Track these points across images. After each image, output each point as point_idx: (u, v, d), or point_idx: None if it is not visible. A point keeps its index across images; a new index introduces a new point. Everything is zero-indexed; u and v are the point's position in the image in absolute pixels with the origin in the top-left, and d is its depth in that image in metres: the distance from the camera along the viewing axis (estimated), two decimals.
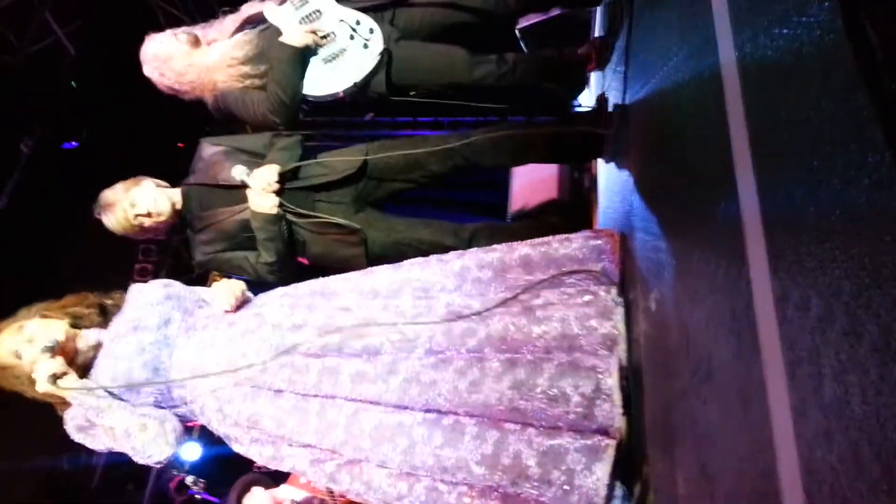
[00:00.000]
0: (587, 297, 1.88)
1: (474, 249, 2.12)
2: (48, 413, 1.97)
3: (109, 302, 2.15)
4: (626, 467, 1.68)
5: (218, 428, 2.01)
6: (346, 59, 2.62)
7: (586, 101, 3.39)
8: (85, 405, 1.89)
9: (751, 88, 1.03)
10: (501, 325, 1.85)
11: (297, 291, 2.14)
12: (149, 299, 2.10)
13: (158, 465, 1.96)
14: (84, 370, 1.98)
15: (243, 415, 1.94)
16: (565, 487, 1.62)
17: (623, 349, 1.78)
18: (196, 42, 2.65)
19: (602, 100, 2.62)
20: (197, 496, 4.66)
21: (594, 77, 3.10)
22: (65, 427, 1.95)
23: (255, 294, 2.23)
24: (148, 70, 2.68)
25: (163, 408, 1.98)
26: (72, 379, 1.88)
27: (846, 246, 0.70)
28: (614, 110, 2.40)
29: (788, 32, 0.89)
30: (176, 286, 2.19)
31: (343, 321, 1.95)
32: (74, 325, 2.05)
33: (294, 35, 2.54)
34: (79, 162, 5.54)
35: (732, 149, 1.07)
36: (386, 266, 2.14)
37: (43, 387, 1.85)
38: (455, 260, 2.08)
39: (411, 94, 2.80)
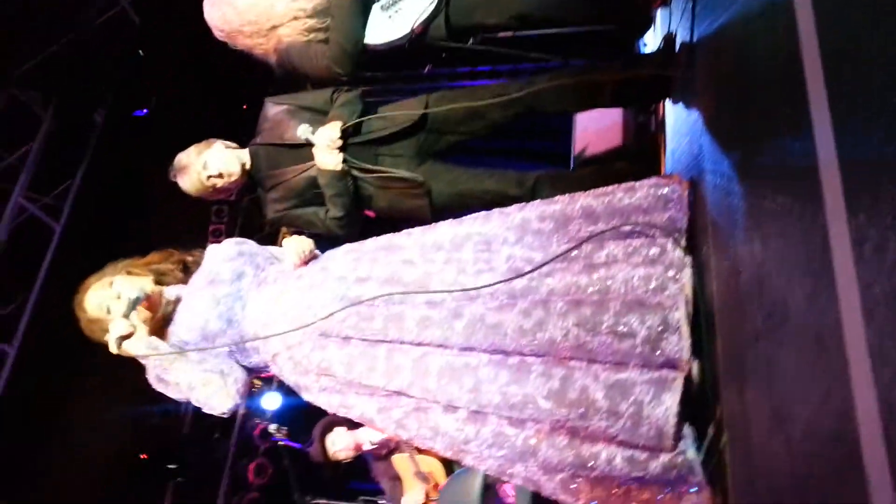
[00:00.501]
0: (654, 251, 1.83)
1: (536, 202, 2.10)
2: (137, 363, 2.10)
3: (190, 259, 2.27)
4: (699, 410, 1.68)
5: (289, 377, 2.09)
6: (405, 4, 2.60)
7: (651, 40, 3.28)
8: (151, 363, 2.02)
9: (825, 23, 0.99)
10: (563, 284, 1.84)
11: (363, 247, 2.19)
12: (223, 255, 2.21)
13: (225, 415, 2.05)
14: (166, 322, 2.13)
15: (314, 362, 2.00)
16: (635, 418, 1.62)
17: (689, 298, 1.76)
18: (268, 18, 2.66)
19: (669, 39, 2.53)
20: (280, 442, 4.87)
21: (660, 14, 2.99)
22: (147, 377, 2.08)
23: (324, 252, 2.30)
24: (209, 12, 2.69)
25: (236, 358, 2.09)
26: (139, 338, 2.01)
27: None
28: (682, 49, 2.32)
29: None
30: (249, 244, 2.29)
31: (406, 274, 1.99)
32: (158, 282, 2.17)
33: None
34: (150, 129, 5.71)
35: (807, 86, 1.03)
36: (448, 221, 2.15)
37: (112, 348, 2.00)
38: (516, 213, 2.07)
39: (470, 42, 2.76)
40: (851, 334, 0.85)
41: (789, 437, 1.08)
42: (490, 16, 2.61)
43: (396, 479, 4.73)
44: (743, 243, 1.41)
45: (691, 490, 1.62)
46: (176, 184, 2.67)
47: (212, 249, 2.27)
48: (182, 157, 2.63)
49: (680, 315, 1.68)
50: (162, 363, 2.01)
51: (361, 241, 2.23)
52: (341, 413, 2.06)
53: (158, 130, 5.60)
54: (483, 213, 2.13)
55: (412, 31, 2.58)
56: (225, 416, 2.06)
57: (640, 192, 1.97)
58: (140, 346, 2.01)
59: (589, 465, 1.70)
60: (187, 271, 2.25)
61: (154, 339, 2.05)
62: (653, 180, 1.99)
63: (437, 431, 1.88)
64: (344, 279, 2.06)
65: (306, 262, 2.19)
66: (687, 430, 1.65)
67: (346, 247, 2.23)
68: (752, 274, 1.32)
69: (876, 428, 0.76)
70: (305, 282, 2.11)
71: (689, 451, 1.62)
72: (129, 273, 2.17)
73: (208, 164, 2.56)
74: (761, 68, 1.39)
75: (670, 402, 1.60)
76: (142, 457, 5.81)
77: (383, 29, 2.63)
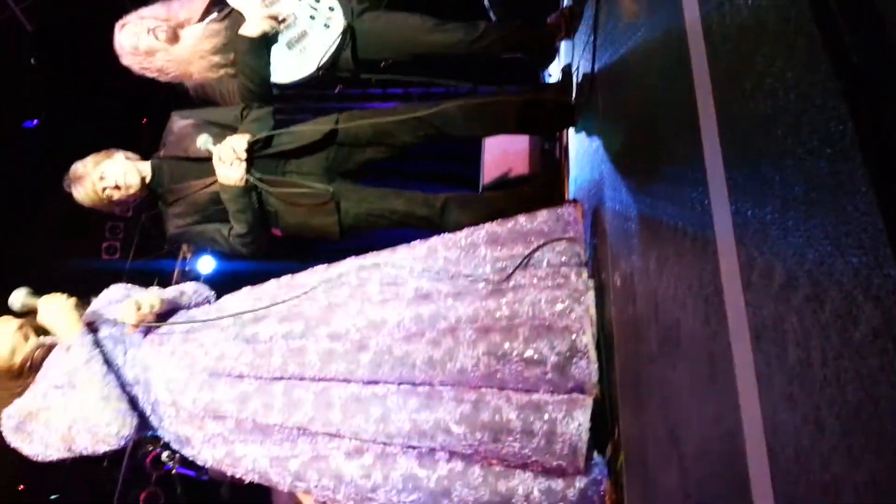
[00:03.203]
0: (559, 281, 1.90)
1: (441, 234, 2.12)
2: None
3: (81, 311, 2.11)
4: (599, 431, 1.72)
5: (169, 428, 1.93)
6: (309, 41, 2.62)
7: (556, 70, 3.39)
8: (81, 348, 1.85)
9: (717, 58, 1.04)
10: (471, 309, 1.85)
11: (263, 287, 2.12)
12: (108, 297, 2.10)
13: (120, 445, 1.85)
14: (35, 369, 1.93)
15: (199, 404, 1.87)
16: (549, 436, 1.63)
17: (594, 320, 1.81)
18: (174, 37, 2.63)
19: (572, 69, 2.62)
20: (173, 471, 4.66)
21: (564, 46, 3.10)
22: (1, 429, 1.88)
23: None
24: (127, 61, 2.65)
25: None
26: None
27: (809, 214, 0.72)
28: (584, 80, 2.41)
29: (753, 3, 0.90)
30: (137, 289, 2.18)
31: (308, 309, 1.93)
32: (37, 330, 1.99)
33: (251, 25, 2.52)
34: (40, 140, 5.41)
35: (699, 118, 1.08)
36: (352, 257, 2.12)
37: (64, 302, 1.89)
38: (421, 243, 2.09)
39: (381, 65, 2.78)
40: (740, 357, 0.88)
41: (682, 458, 1.11)
42: (398, 52, 2.67)
43: None
44: (639, 268, 1.46)
45: None
46: (69, 197, 2.51)
47: (101, 294, 2.14)
48: (78, 167, 2.49)
49: (587, 339, 1.72)
50: (35, 403, 1.84)
51: (261, 284, 2.15)
52: (228, 469, 1.90)
53: (50, 143, 5.31)
54: (388, 248, 2.11)
55: (318, 69, 2.61)
56: (117, 444, 1.85)
57: (541, 217, 2.05)
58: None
59: (506, 500, 1.69)
60: None
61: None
62: (553, 207, 2.07)
63: (340, 480, 1.78)
64: (239, 318, 1.97)
65: (157, 318, 2.00)
66: (598, 458, 1.68)
67: (247, 288, 2.14)
68: (648, 297, 1.36)
69: (761, 448, 0.79)
70: (197, 322, 2.00)
71: (602, 479, 1.65)
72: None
73: (105, 174, 2.42)
74: (657, 100, 1.44)
75: (582, 418, 1.63)
76: (20, 488, 5.40)
77: (291, 67, 2.64)
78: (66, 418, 1.84)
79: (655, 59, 1.45)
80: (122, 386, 1.89)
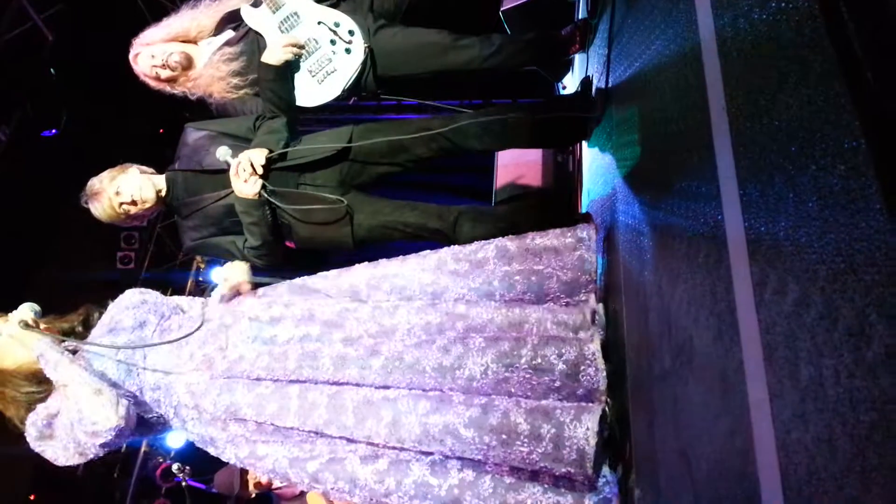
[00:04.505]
0: (569, 296, 1.91)
1: (451, 246, 2.13)
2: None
3: (97, 315, 2.13)
4: (610, 449, 1.70)
5: (192, 429, 1.97)
6: (332, 67, 2.64)
7: (570, 83, 3.39)
8: (47, 354, 1.86)
9: (731, 73, 1.04)
10: (481, 318, 1.87)
11: (275, 290, 2.14)
12: (125, 303, 2.12)
13: (110, 435, 1.82)
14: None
15: (220, 406, 1.91)
16: (556, 440, 1.61)
17: (603, 329, 1.81)
18: (188, 63, 2.67)
19: (586, 83, 2.62)
20: (183, 482, 4.67)
21: (578, 60, 3.10)
22: (27, 435, 1.89)
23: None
24: (154, 86, 2.72)
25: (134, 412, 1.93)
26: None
27: (822, 231, 0.71)
28: (598, 94, 2.41)
29: (768, 18, 0.90)
30: (152, 293, 2.21)
31: (320, 312, 1.96)
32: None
33: (274, 54, 2.54)
34: (59, 149, 5.48)
35: (713, 133, 1.08)
36: (364, 263, 2.14)
37: (13, 329, 1.90)
38: (431, 255, 2.09)
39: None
40: (752, 374, 0.87)
41: (694, 477, 1.10)
42: (415, 68, 2.69)
43: None
44: (652, 283, 1.45)
45: None
46: (86, 209, 2.56)
47: (117, 300, 2.16)
48: (94, 183, 2.53)
49: (595, 347, 1.72)
50: (60, 359, 1.86)
51: (273, 286, 2.18)
52: (250, 467, 1.95)
53: (68, 152, 5.37)
54: (399, 256, 2.12)
55: (343, 92, 2.66)
56: (109, 436, 1.82)
57: (552, 233, 2.04)
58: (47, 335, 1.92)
59: None
60: (87, 325, 2.11)
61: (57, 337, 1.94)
62: (565, 222, 2.07)
63: (355, 484, 1.81)
64: (256, 319, 2.00)
65: (239, 293, 2.12)
66: (609, 475, 1.67)
67: (260, 290, 2.18)
68: (661, 313, 1.35)
69: (774, 467, 0.78)
70: (216, 323, 2.03)
71: (612, 499, 1.64)
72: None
73: (121, 189, 2.46)
74: (671, 115, 1.44)
75: (590, 423, 1.61)
76: (31, 498, 5.44)
77: (314, 93, 2.66)
78: (66, 418, 1.85)
79: (670, 73, 1.44)
80: (140, 390, 1.94)
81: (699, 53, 1.17)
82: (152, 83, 2.69)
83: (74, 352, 1.97)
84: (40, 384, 1.92)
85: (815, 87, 0.75)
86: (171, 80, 2.67)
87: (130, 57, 2.69)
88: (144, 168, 2.56)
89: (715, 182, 1.04)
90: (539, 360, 1.71)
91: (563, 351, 1.71)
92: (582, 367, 1.70)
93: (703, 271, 1.10)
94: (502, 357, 1.74)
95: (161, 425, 2.04)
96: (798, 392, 0.74)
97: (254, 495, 4.42)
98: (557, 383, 1.71)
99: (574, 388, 1.71)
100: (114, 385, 1.91)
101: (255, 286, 2.19)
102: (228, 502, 4.73)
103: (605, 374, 1.70)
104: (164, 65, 2.64)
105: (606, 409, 1.70)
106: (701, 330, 1.10)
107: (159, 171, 2.59)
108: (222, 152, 2.42)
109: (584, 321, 1.84)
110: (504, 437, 1.65)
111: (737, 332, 0.93)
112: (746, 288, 0.90)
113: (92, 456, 1.89)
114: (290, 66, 2.60)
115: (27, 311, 1.96)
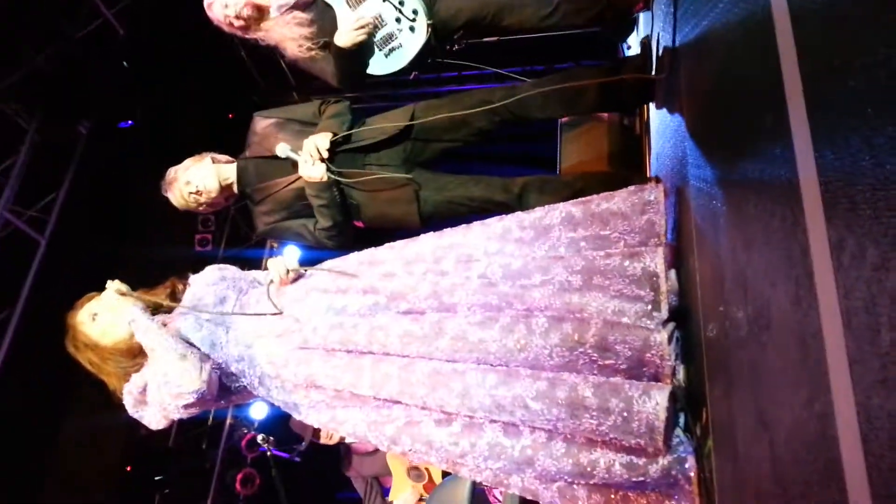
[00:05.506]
0: (635, 268, 1.83)
1: (515, 213, 2.13)
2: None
3: (181, 286, 2.25)
4: (686, 414, 1.69)
5: (277, 398, 2.07)
6: (397, 43, 2.68)
7: (634, 43, 3.30)
8: (139, 319, 2.03)
9: (803, 31, 1.00)
10: (544, 296, 1.85)
11: (345, 262, 2.19)
12: (205, 280, 2.22)
13: (193, 397, 1.93)
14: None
15: (300, 376, 1.99)
16: (625, 414, 1.62)
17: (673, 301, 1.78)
18: (260, 14, 2.72)
19: (651, 42, 2.56)
20: (267, 452, 4.87)
21: (642, 18, 3.02)
22: (124, 402, 2.05)
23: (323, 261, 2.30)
24: (228, 30, 2.78)
25: (221, 382, 2.06)
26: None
27: None
28: (664, 54, 2.34)
29: None
30: (230, 269, 2.31)
31: (384, 286, 1.99)
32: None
33: (345, 36, 2.59)
34: (135, 140, 5.70)
35: (785, 93, 1.04)
36: (430, 233, 2.17)
37: (109, 296, 2.11)
38: (496, 223, 2.09)
39: (454, 47, 2.80)
40: (831, 340, 0.85)
41: (773, 443, 1.09)
42: (473, 27, 2.66)
43: (370, 479, 4.74)
44: (727, 248, 1.42)
45: (685, 496, 1.63)
46: (164, 197, 2.69)
47: (197, 276, 2.27)
48: (171, 172, 2.66)
49: (662, 337, 1.69)
50: (150, 325, 2.03)
51: (344, 257, 2.23)
52: (332, 430, 2.07)
53: (144, 141, 5.59)
54: (463, 225, 2.14)
55: (408, 65, 2.70)
56: (192, 398, 1.94)
57: (619, 197, 2.00)
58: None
59: (587, 472, 1.69)
60: (175, 298, 2.23)
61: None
62: (631, 188, 2.02)
63: (431, 446, 1.86)
64: (326, 291, 2.07)
65: (291, 282, 2.17)
66: (683, 436, 1.66)
67: (328, 263, 2.23)
68: (736, 279, 1.33)
69: (854, 433, 0.77)
70: (288, 297, 2.10)
71: (686, 457, 1.63)
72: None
73: (191, 179, 2.60)
74: (742, 75, 1.40)
75: (660, 398, 1.61)
76: (127, 469, 5.78)
77: (380, 64, 2.72)
78: (153, 381, 1.99)
79: (739, 32, 1.40)
80: (226, 362, 2.05)
81: (769, 10, 1.13)
82: (226, 28, 2.77)
83: (164, 325, 2.09)
84: (134, 357, 2.07)
85: (891, 45, 0.73)
86: (244, 28, 2.74)
87: (205, 2, 2.76)
88: (218, 157, 2.66)
89: (789, 143, 1.01)
90: (604, 345, 1.71)
91: (628, 337, 1.70)
92: (647, 355, 1.69)
93: (778, 235, 1.08)
94: (566, 340, 1.73)
95: (247, 394, 2.14)
96: (878, 358, 0.73)
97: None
98: (624, 366, 1.71)
99: (641, 373, 1.70)
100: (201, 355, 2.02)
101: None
102: (303, 444, 4.95)
103: (671, 362, 1.69)
104: (237, 16, 2.70)
105: (679, 379, 1.69)
106: (779, 295, 1.08)
107: (233, 156, 2.69)
108: (282, 149, 2.50)
109: (650, 294, 1.81)
110: (572, 409, 1.67)
111: (815, 297, 0.91)
112: (824, 252, 0.88)
113: (176, 418, 2.03)
114: (362, 47, 2.64)
115: (118, 284, 2.13)
